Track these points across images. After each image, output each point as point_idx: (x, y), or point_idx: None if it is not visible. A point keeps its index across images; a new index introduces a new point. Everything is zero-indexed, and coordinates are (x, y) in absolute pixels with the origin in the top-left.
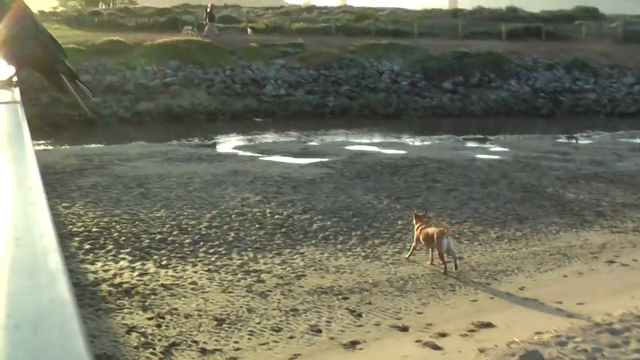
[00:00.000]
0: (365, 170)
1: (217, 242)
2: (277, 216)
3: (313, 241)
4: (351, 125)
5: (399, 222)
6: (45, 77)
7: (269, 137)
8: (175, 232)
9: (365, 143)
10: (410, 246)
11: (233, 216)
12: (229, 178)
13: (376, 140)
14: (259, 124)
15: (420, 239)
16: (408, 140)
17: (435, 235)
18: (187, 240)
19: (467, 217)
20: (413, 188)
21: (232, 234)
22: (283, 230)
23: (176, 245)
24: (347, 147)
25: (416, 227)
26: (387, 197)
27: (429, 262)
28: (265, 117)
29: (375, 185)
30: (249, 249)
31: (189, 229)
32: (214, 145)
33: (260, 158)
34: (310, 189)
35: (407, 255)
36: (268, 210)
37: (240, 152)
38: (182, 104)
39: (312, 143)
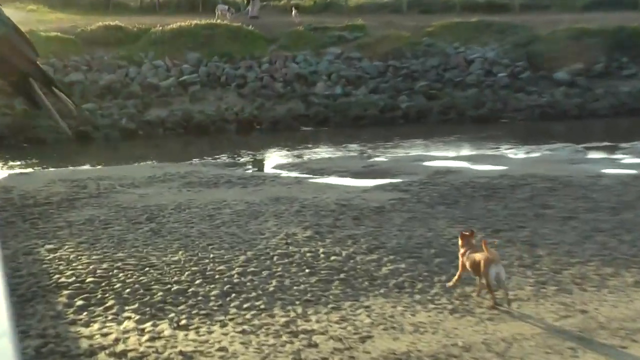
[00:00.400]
0: (450, 193)
1: (253, 294)
2: (333, 257)
3: (382, 290)
4: (431, 133)
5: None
6: (9, 83)
7: (322, 152)
8: (197, 281)
9: (450, 157)
10: (456, 273)
11: (275, 258)
12: (269, 208)
13: (465, 152)
14: (308, 135)
15: (467, 265)
16: (508, 151)
17: (482, 262)
18: (214, 292)
19: (592, 254)
20: (516, 216)
21: (274, 283)
22: (342, 276)
23: (199, 298)
24: (426, 163)
25: (461, 250)
26: (481, 230)
27: (475, 294)
28: (315, 125)
29: (464, 214)
30: (297, 302)
31: (217, 276)
32: (248, 164)
33: (310, 180)
34: (378, 221)
35: (449, 284)
36: (322, 250)
37: (284, 173)
38: (205, 110)
39: (378, 158)
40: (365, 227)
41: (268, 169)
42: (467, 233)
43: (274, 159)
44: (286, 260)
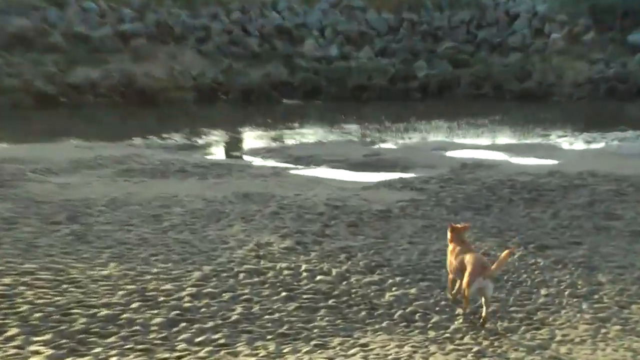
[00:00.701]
0: (481, 195)
1: (210, 324)
2: (320, 277)
3: (384, 323)
4: (457, 112)
5: (543, 291)
6: None
7: (309, 134)
8: (134, 305)
9: (482, 146)
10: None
11: (241, 276)
12: (235, 207)
13: (502, 140)
14: (292, 110)
15: (452, 265)
16: (561, 140)
17: (467, 273)
18: (157, 320)
19: None
20: (569, 229)
21: (239, 309)
22: (331, 302)
23: (136, 328)
24: (450, 153)
25: (450, 246)
26: (520, 245)
27: (450, 295)
28: (302, 97)
29: (498, 224)
30: (269, 337)
31: (161, 298)
32: (208, 147)
33: (293, 171)
34: (382, 229)
35: (449, 295)
36: (304, 267)
37: (257, 161)
38: (152, 72)
39: (385, 145)
40: (365, 238)
41: (236, 154)
42: (458, 226)
43: (245, 141)
44: (256, 279)
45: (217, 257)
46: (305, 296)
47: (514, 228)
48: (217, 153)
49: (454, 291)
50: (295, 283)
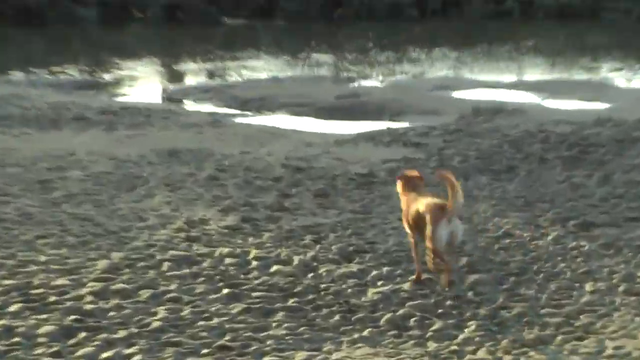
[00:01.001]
0: (502, 152)
1: (121, 333)
2: (275, 268)
3: (366, 331)
4: (467, 36)
5: (588, 286)
6: None
7: (260, 67)
8: (14, 307)
9: (503, 84)
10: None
11: (165, 267)
12: (157, 170)
13: (531, 76)
14: (236, 33)
15: (408, 219)
16: (613, 75)
17: (428, 215)
18: (46, 328)
19: None
20: (625, 199)
21: (163, 313)
22: (291, 303)
23: (16, 340)
24: (457, 95)
25: (403, 199)
26: (557, 223)
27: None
28: (250, 15)
29: (526, 192)
30: (205, 351)
31: (52, 298)
32: (118, 85)
33: (238, 120)
34: (362, 200)
35: (429, 265)
36: (254, 254)
37: (188, 105)
38: None
39: (367, 82)
40: (339, 213)
41: (157, 95)
42: (411, 174)
43: (170, 76)
44: (186, 271)
45: (132, 240)
46: (255, 294)
47: (548, 198)
48: (131, 94)
49: (431, 258)
50: (242, 276)
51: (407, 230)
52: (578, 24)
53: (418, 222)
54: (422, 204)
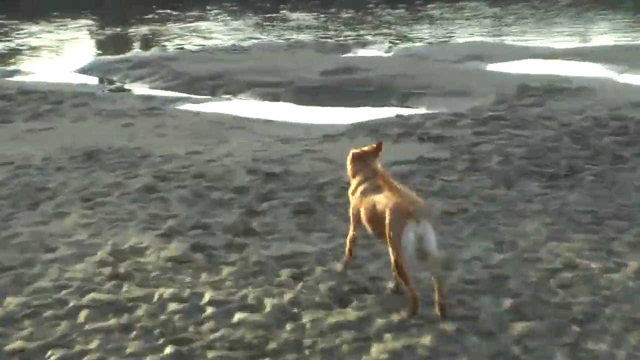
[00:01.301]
0: (559, 147)
1: None
2: (239, 317)
3: None
4: None
5: None
6: None
7: (217, 30)
8: None
9: (559, 52)
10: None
11: (81, 317)
12: (70, 178)
13: (599, 41)
14: None
15: (362, 215)
16: None
17: (389, 214)
18: None
19: None
20: None
21: None
22: None
23: None
24: (493, 67)
25: (353, 183)
26: (638, 248)
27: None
28: None
29: (595, 204)
30: None
31: None
32: (14, 58)
33: (183, 106)
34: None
35: (339, 266)
36: (209, 297)
37: (112, 85)
38: None
39: (365, 50)
40: (328, 237)
41: (69, 72)
42: (362, 150)
43: (88, 43)
44: (113, 322)
45: (35, 279)
46: (211, 355)
47: (625, 214)
48: (33, 71)
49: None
50: (192, 328)
51: (352, 222)
52: None
53: (374, 214)
54: (382, 199)
